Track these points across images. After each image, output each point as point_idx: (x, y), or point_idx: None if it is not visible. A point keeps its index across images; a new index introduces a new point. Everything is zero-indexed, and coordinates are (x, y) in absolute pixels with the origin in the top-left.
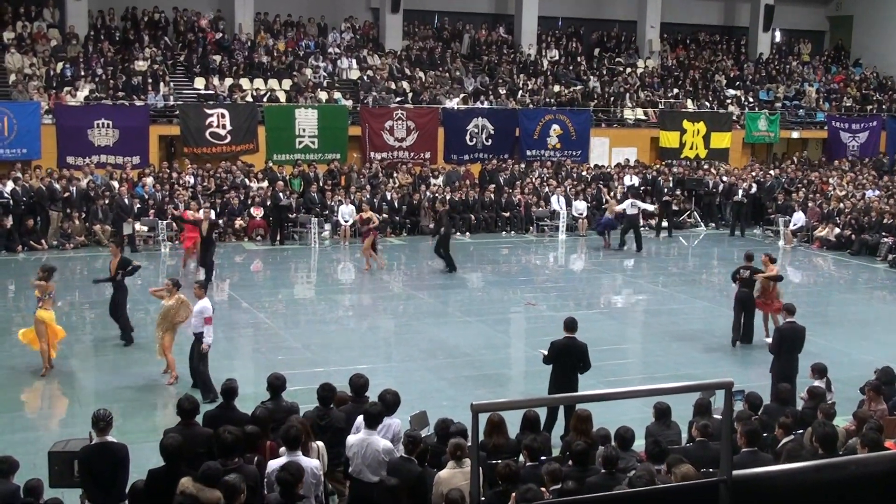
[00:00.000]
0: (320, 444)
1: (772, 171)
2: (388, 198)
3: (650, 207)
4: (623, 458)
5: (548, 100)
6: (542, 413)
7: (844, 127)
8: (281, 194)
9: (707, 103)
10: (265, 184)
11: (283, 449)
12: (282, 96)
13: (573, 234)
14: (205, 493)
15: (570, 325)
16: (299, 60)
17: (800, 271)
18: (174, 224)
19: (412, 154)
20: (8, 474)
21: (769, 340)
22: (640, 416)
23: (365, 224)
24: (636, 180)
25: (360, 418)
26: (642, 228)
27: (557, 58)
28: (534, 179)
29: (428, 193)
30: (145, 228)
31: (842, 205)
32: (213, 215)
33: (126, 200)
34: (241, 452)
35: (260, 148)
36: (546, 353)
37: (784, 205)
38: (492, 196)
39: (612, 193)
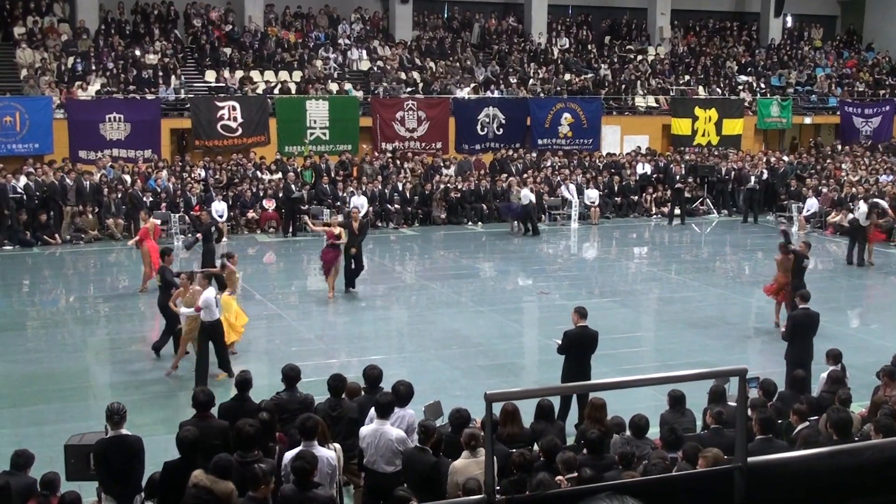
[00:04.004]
0: (337, 446)
1: (785, 157)
2: (400, 188)
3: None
4: (638, 447)
5: (559, 88)
6: (556, 402)
7: (857, 112)
8: (293, 186)
9: (719, 90)
10: (277, 176)
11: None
12: (292, 88)
13: (585, 222)
14: (218, 485)
15: (582, 313)
16: (309, 52)
17: (813, 257)
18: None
19: (423, 144)
20: (24, 468)
21: (782, 327)
22: (655, 404)
23: (333, 240)
24: (648, 168)
25: (373, 409)
26: (654, 216)
27: (568, 46)
28: (546, 169)
29: (440, 184)
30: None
31: (855, 190)
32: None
33: (139, 194)
34: (260, 444)
35: (271, 140)
36: (559, 342)
37: (797, 191)
38: (503, 185)
39: (516, 180)
